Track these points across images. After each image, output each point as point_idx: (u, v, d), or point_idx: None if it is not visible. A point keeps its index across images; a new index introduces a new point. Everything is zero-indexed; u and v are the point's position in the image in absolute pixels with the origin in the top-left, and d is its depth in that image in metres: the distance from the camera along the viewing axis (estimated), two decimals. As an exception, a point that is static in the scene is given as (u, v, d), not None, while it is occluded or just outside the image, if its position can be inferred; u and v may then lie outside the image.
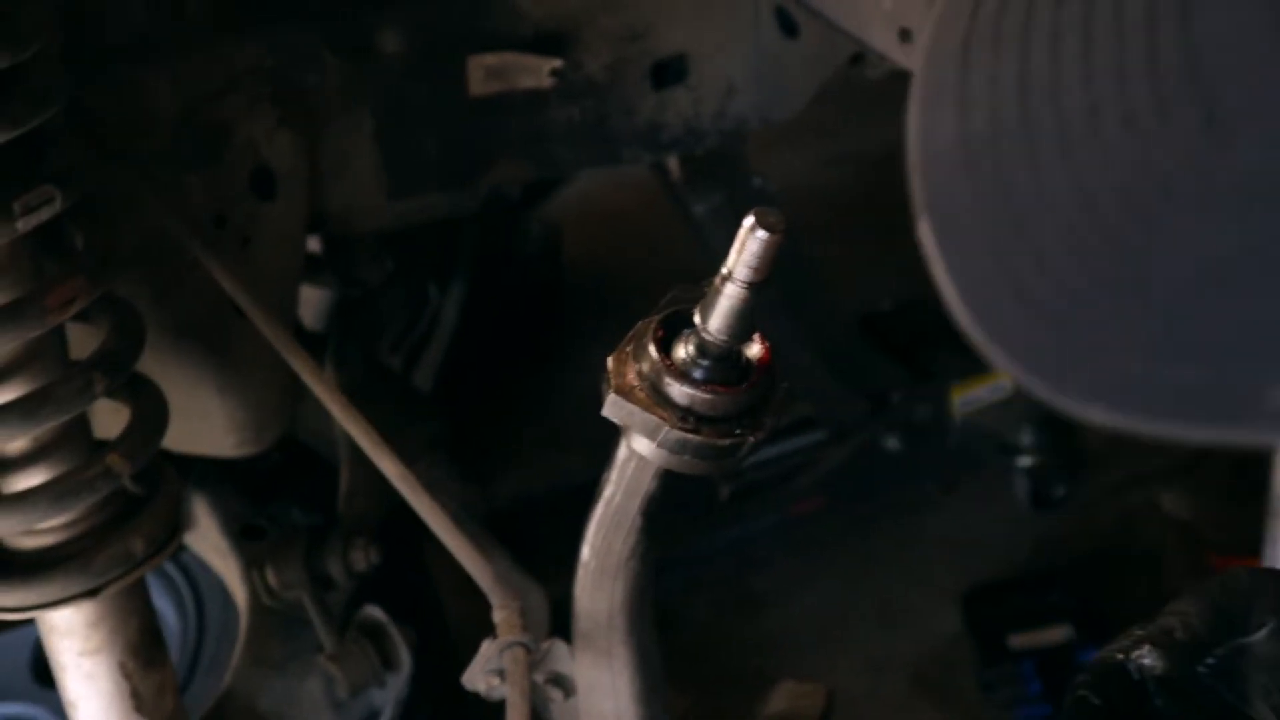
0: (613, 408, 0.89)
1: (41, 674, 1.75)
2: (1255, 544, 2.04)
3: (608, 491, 1.01)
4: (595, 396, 0.92)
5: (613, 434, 0.96)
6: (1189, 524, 2.29)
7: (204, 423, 1.50)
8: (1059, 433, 2.33)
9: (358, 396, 1.34)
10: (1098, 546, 2.29)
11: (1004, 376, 2.36)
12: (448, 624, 1.83)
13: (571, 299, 2.88)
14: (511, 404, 2.68)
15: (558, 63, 1.62)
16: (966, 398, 2.36)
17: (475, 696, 1.37)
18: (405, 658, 1.59)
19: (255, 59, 1.51)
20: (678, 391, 0.88)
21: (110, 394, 1.25)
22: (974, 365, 2.37)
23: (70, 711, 1.34)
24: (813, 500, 2.31)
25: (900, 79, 2.02)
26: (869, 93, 2.47)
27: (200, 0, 1.49)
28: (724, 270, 0.84)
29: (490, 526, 2.04)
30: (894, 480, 2.36)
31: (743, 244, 0.82)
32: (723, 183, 2.14)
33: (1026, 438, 2.33)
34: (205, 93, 1.47)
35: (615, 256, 3.02)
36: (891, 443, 2.35)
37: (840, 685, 2.11)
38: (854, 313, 2.47)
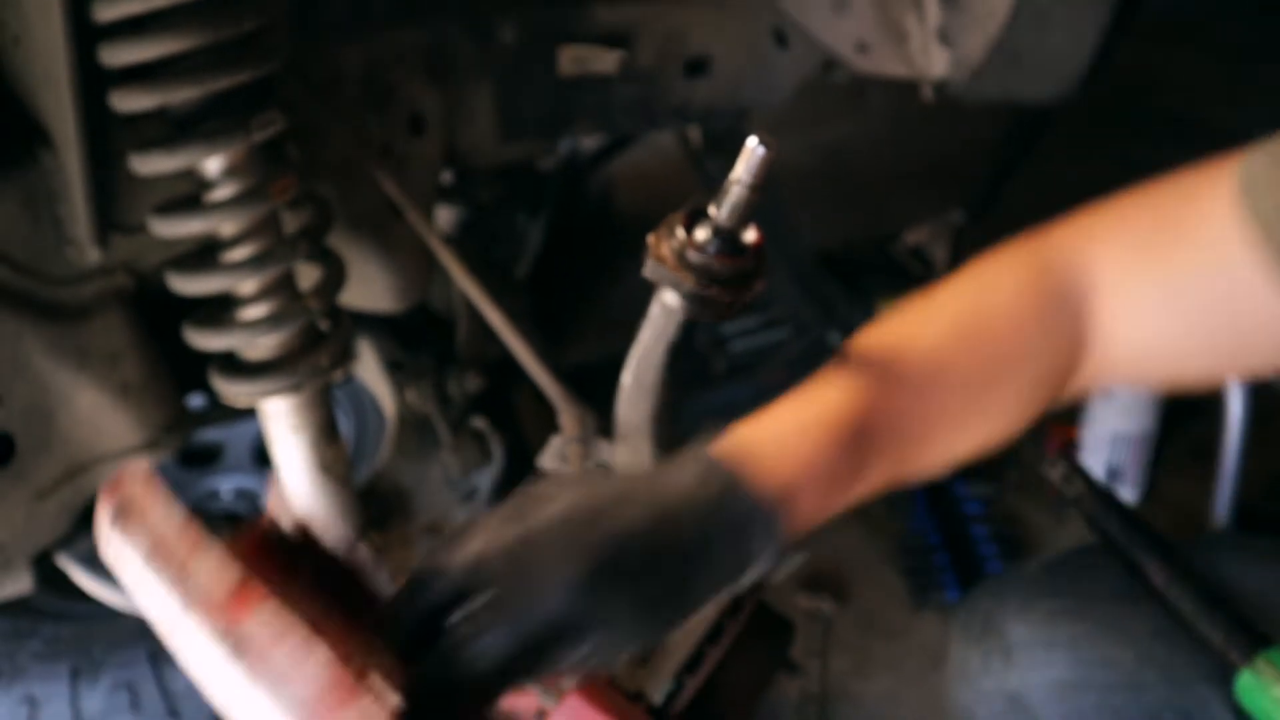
0: (650, 270, 0.88)
1: (259, 458, 1.76)
2: (1075, 416, 2.07)
3: (645, 335, 1.01)
4: (635, 296, 0.92)
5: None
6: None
7: (370, 287, 1.51)
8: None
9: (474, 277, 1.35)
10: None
11: (917, 297, 2.36)
12: (526, 439, 1.85)
13: (619, 231, 2.86)
14: (577, 300, 2.68)
15: (621, 54, 1.61)
16: (889, 311, 2.35)
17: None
18: (498, 453, 1.60)
19: (416, 40, 1.50)
20: (696, 259, 0.87)
21: (309, 258, 1.25)
22: (895, 288, 2.36)
23: (280, 471, 1.35)
24: (778, 375, 2.31)
25: (858, 83, 2.02)
26: (834, 96, 2.45)
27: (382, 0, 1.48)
28: (732, 176, 0.83)
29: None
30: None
31: (746, 157, 0.82)
32: (729, 149, 2.13)
33: (929, 339, 2.32)
34: (381, 61, 1.46)
35: (647, 203, 3.00)
36: (834, 338, 2.34)
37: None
38: (814, 249, 2.45)
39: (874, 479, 0.80)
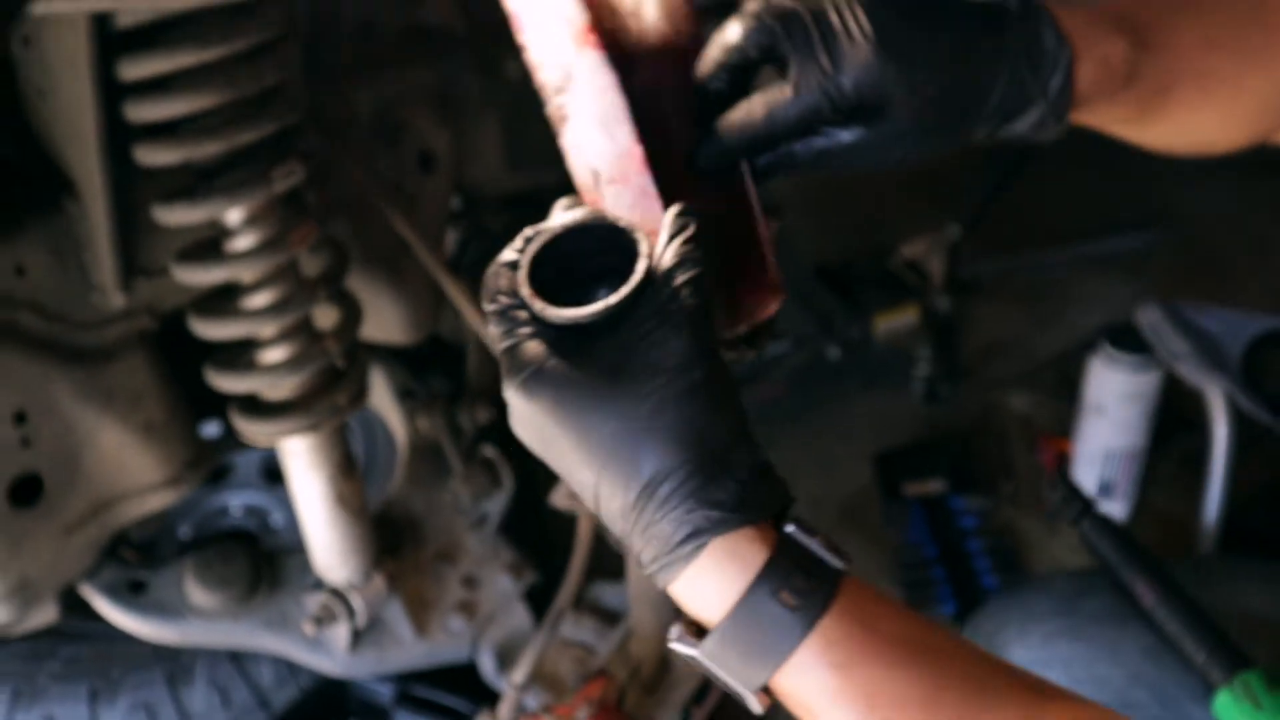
0: None
1: (269, 474, 1.78)
2: (1068, 429, 2.10)
3: None
4: None
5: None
6: (1027, 415, 2.32)
7: (382, 319, 1.54)
8: (946, 351, 2.37)
9: (480, 307, 1.37)
10: (966, 428, 2.31)
11: (911, 312, 2.40)
12: (535, 468, 1.85)
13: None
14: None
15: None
16: (886, 324, 2.38)
17: (553, 514, 1.40)
18: (508, 482, 1.62)
19: (424, 77, 1.53)
20: None
21: (327, 300, 1.30)
22: (892, 302, 2.40)
23: (297, 505, 1.40)
24: (779, 387, 2.35)
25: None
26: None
27: (388, 36, 1.51)
28: None
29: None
30: (833, 378, 2.39)
31: None
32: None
33: (924, 353, 2.36)
34: (390, 99, 1.49)
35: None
36: (833, 352, 2.37)
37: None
38: (812, 263, 2.49)
39: (1135, 92, 0.77)
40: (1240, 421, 1.71)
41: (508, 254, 0.67)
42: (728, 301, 0.77)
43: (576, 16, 0.72)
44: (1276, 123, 0.87)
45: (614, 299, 0.63)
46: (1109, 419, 2.00)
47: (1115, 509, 2.06)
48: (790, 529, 0.63)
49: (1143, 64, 0.76)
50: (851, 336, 2.37)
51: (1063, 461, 2.14)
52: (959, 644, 0.62)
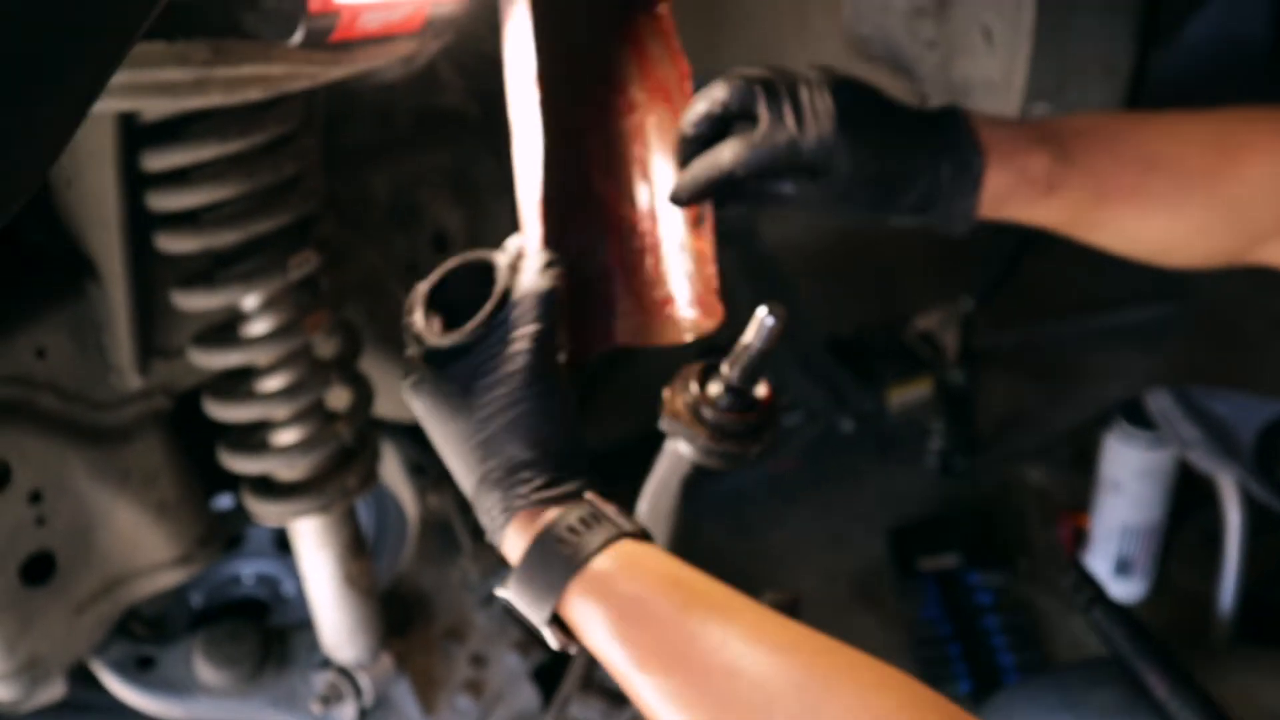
0: (665, 423, 0.93)
1: (280, 543, 1.80)
2: (1085, 503, 2.10)
3: (659, 471, 1.06)
4: (650, 377, 1.01)
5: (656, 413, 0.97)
6: (1043, 489, 2.32)
7: (394, 396, 1.53)
8: (961, 424, 2.37)
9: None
10: (981, 502, 2.31)
11: (924, 384, 2.41)
12: None
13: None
14: (593, 387, 2.71)
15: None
16: (899, 396, 2.39)
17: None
18: None
19: (440, 161, 1.57)
20: (709, 415, 0.91)
21: (340, 383, 1.32)
22: (905, 374, 2.41)
23: (306, 584, 1.42)
24: (791, 461, 2.35)
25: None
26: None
27: (405, 121, 1.55)
28: (743, 341, 0.89)
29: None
30: (846, 450, 2.39)
31: (758, 325, 0.87)
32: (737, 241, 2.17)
33: (937, 426, 2.36)
34: (406, 183, 1.53)
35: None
36: (846, 425, 2.38)
37: (803, 589, 2.13)
38: (825, 335, 2.50)
39: (1062, 200, 0.89)
40: (1254, 507, 1.71)
41: (426, 283, 0.82)
42: (676, 314, 0.89)
43: (529, 67, 0.85)
44: (1242, 243, 0.91)
45: (458, 336, 0.78)
46: (1126, 495, 2.00)
47: (1135, 586, 2.05)
48: (586, 495, 0.77)
49: (1068, 177, 0.88)
50: (865, 409, 2.38)
51: (1080, 538, 2.13)
52: (714, 579, 0.73)
